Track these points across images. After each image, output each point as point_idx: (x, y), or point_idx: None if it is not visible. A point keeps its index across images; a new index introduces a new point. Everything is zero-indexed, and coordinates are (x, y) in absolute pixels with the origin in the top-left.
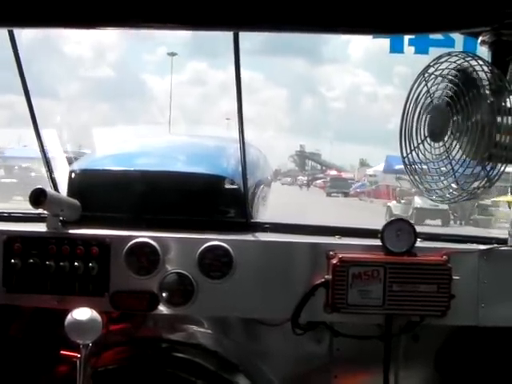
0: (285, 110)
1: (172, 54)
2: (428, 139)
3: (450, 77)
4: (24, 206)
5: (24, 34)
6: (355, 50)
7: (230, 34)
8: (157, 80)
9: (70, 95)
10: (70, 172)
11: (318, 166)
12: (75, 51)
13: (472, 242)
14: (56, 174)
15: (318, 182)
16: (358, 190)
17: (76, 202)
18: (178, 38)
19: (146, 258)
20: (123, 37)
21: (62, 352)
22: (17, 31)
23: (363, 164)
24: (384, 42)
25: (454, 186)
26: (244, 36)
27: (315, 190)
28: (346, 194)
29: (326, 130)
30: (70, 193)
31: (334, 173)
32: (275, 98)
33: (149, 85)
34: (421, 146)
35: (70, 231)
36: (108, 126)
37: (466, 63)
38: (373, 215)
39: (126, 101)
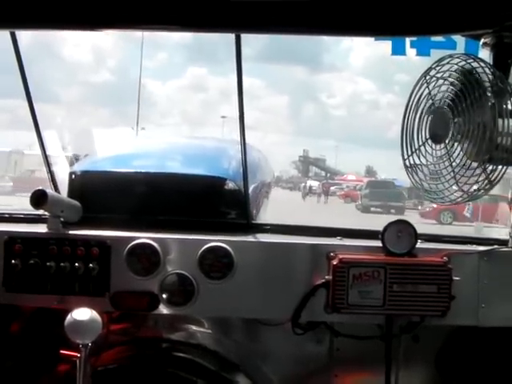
0: (286, 118)
1: None
2: (429, 141)
3: (452, 79)
4: None
5: (22, 38)
6: (356, 58)
7: (231, 39)
8: (157, 85)
9: (70, 99)
10: (71, 173)
11: (323, 173)
12: (74, 56)
13: (472, 243)
14: (56, 176)
15: (332, 189)
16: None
17: (76, 203)
18: (178, 43)
19: (146, 259)
20: (122, 41)
21: (61, 352)
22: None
23: (370, 171)
24: (384, 50)
25: (454, 187)
26: (245, 42)
27: (333, 199)
28: (397, 210)
29: (327, 138)
30: (71, 194)
31: (352, 177)
32: (276, 105)
33: (148, 89)
34: (422, 148)
35: (71, 232)
36: (108, 128)
37: (467, 65)
38: None
39: (125, 105)
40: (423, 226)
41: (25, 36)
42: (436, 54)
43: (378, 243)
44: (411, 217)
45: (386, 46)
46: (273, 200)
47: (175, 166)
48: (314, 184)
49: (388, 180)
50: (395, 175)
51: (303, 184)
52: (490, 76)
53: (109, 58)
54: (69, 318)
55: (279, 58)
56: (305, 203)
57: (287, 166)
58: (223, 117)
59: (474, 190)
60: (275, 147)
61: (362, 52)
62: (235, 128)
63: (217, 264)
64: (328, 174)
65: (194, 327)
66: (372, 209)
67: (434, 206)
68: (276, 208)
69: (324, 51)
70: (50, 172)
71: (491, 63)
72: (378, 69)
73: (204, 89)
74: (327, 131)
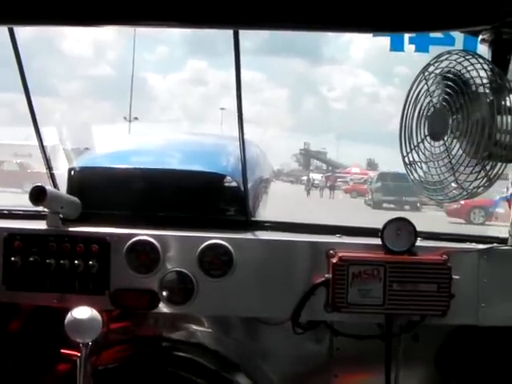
0: (286, 111)
1: None
2: (428, 138)
3: (450, 75)
4: None
5: (22, 32)
6: (356, 51)
7: (230, 33)
8: (158, 79)
9: (70, 93)
10: (70, 170)
11: (324, 166)
12: (74, 50)
13: (472, 242)
14: (56, 172)
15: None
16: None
17: (76, 199)
18: (178, 36)
19: (146, 256)
20: (123, 34)
21: (62, 350)
22: (16, 29)
23: (371, 164)
24: (384, 43)
25: (453, 185)
26: (245, 36)
27: (337, 194)
28: (412, 206)
29: (328, 131)
30: (70, 190)
31: (356, 170)
32: (277, 99)
33: (149, 83)
34: (421, 145)
35: (70, 229)
36: (108, 123)
37: (466, 62)
38: None
39: (126, 99)
40: (452, 227)
41: (24, 30)
42: (435, 50)
43: (378, 241)
44: (435, 215)
45: (385, 38)
46: (274, 195)
47: (174, 163)
48: (317, 177)
49: (401, 172)
50: (397, 168)
51: (306, 177)
52: (489, 72)
53: (109, 51)
54: (69, 316)
55: (279, 50)
56: (309, 199)
57: (288, 159)
58: (222, 108)
59: (474, 187)
60: (276, 140)
61: (361, 44)
62: (236, 123)
63: (216, 262)
64: (329, 167)
65: (194, 326)
66: (384, 204)
67: (462, 202)
68: (278, 205)
69: (324, 44)
70: (49, 168)
71: (490, 59)
72: (378, 61)
73: (204, 82)
74: (328, 124)
